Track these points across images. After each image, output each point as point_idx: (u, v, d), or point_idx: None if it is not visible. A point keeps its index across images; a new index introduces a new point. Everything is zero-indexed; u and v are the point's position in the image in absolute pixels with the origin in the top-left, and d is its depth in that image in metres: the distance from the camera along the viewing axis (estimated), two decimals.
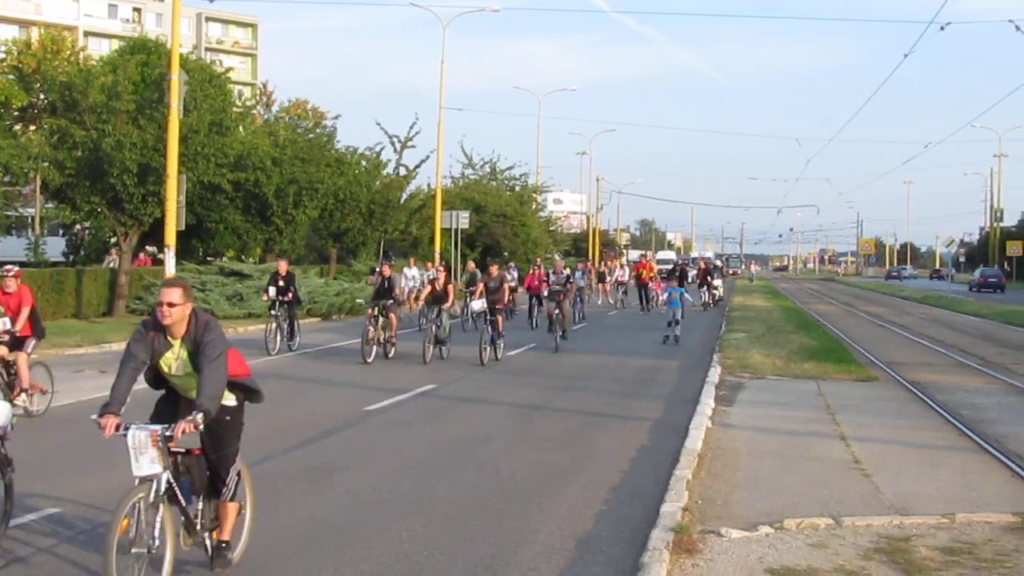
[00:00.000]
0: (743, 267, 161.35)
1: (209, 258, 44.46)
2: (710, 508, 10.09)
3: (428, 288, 24.67)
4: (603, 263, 52.61)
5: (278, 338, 24.74)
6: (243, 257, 44.90)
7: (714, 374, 20.80)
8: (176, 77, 30.13)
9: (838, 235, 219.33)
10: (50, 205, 50.42)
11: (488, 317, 23.71)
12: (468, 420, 15.75)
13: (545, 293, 28.32)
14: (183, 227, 31.82)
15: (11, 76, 47.35)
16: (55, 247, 54.51)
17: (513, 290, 37.61)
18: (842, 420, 15.41)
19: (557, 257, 66.12)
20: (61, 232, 55.40)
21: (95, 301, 33.97)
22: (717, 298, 51.38)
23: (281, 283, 24.97)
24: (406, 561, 8.42)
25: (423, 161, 53.58)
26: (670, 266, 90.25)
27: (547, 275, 29.64)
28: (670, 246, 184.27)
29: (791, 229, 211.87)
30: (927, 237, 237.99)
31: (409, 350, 24.32)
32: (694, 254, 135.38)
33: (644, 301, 44.93)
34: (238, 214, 40.79)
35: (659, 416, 16.31)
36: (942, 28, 35.40)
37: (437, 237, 53.23)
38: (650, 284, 45.83)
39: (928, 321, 42.07)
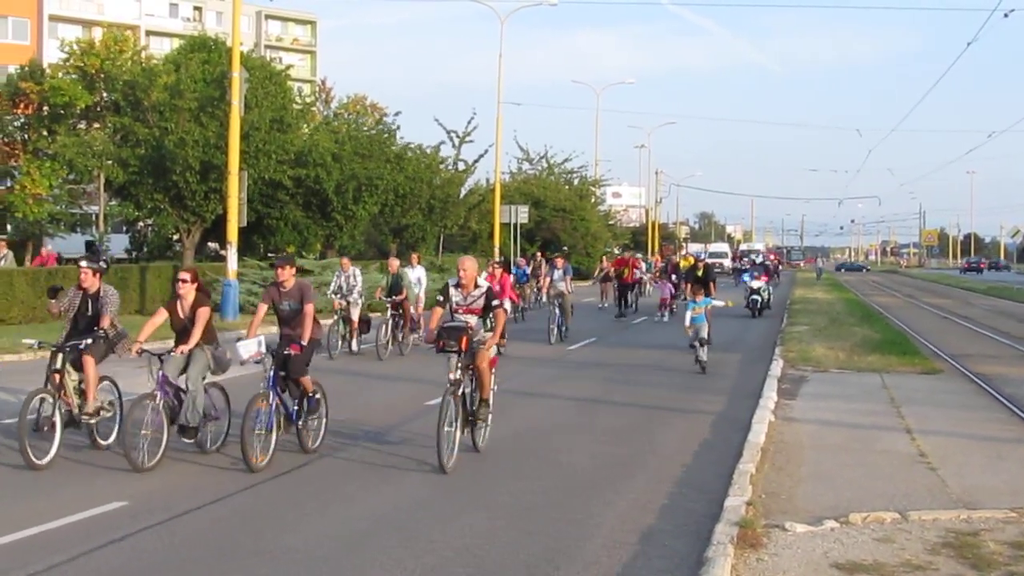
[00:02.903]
0: (814, 260, 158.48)
1: (270, 254, 44.75)
2: (774, 502, 10.01)
3: (159, 314, 12.33)
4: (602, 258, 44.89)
5: None
6: (303, 253, 45.14)
7: (776, 367, 20.63)
8: (237, 75, 30.39)
9: (900, 226, 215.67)
10: (114, 202, 51.04)
11: (271, 371, 11.85)
12: (528, 413, 15.73)
13: (431, 334, 12.29)
14: (245, 223, 32.12)
15: (75, 76, 48.05)
16: (119, 244, 55.17)
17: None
18: (907, 413, 15.24)
19: (523, 252, 60.22)
20: (124, 229, 56.10)
21: (159, 297, 34.19)
22: (761, 304, 38.29)
23: None
24: (468, 555, 8.43)
25: (481, 156, 53.75)
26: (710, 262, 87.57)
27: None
28: (730, 239, 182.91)
29: (852, 221, 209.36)
30: (991, 227, 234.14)
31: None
32: (743, 246, 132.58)
33: (622, 304, 36.41)
34: (299, 210, 41.04)
35: (721, 409, 16.22)
36: (1006, 15, 34.88)
37: (496, 232, 53.27)
38: (648, 283, 39.86)
39: (993, 313, 41.51)
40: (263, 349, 11.81)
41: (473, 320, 12.39)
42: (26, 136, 50.03)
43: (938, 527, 9.03)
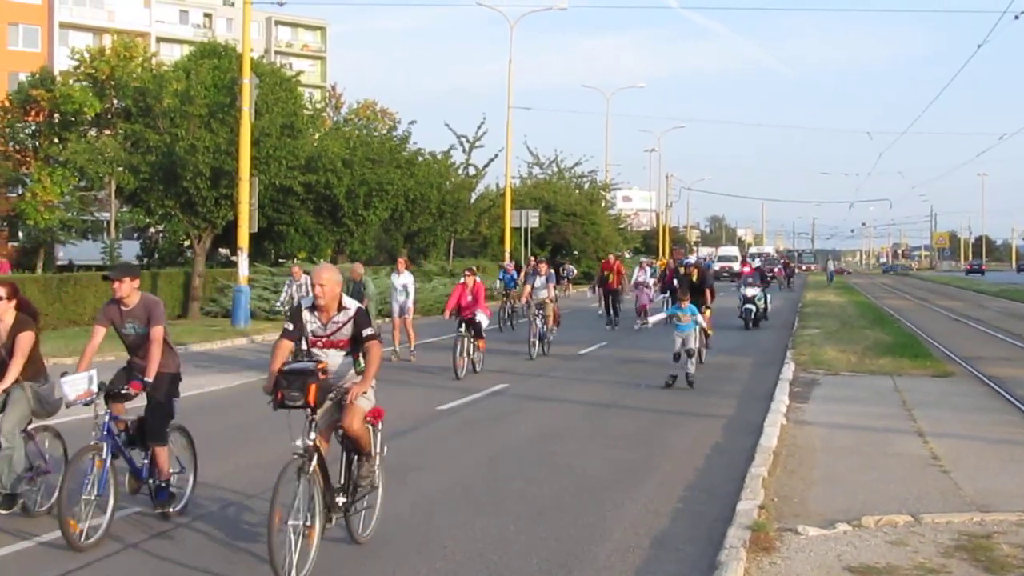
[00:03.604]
0: (823, 263, 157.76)
1: (281, 260, 44.89)
2: (787, 506, 9.99)
3: None
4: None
5: None
6: (314, 259, 45.25)
7: (788, 370, 20.58)
8: (247, 81, 30.47)
9: (911, 229, 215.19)
10: (125, 209, 51.28)
11: (107, 415, 9.01)
12: (540, 418, 15.72)
13: (270, 381, 8.11)
14: (256, 229, 32.21)
15: (85, 83, 48.26)
16: (130, 250, 55.35)
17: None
18: (919, 416, 15.18)
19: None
20: (136, 235, 56.33)
21: (170, 303, 34.39)
22: (756, 314, 33.92)
23: None
24: (481, 560, 8.42)
25: (492, 160, 54.00)
26: (735, 264, 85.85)
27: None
28: (740, 242, 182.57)
29: (863, 224, 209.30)
30: (1003, 229, 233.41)
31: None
32: (752, 249, 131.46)
33: (611, 313, 33.61)
34: (309, 216, 41.13)
35: (733, 413, 16.19)
36: (1016, 17, 34.77)
37: (507, 236, 53.34)
38: (642, 291, 38.27)
39: (1005, 315, 41.36)
40: (94, 387, 8.91)
41: (334, 359, 8.51)
42: (37, 143, 50.31)
43: (951, 530, 9.00)
